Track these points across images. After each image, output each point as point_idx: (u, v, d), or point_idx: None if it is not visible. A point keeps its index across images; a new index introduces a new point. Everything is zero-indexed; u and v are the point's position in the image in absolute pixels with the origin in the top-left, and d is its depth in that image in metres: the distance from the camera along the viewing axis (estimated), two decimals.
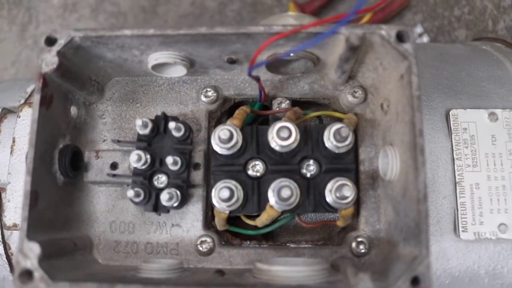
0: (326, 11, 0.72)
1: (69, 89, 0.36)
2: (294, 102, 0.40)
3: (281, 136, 0.33)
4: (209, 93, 0.39)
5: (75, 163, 0.36)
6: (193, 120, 0.38)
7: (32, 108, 0.32)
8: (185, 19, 0.73)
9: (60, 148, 0.34)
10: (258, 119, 0.41)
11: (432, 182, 0.41)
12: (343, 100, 0.39)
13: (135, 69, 0.38)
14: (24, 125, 0.42)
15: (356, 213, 0.37)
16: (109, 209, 0.38)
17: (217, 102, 0.39)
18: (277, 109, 0.39)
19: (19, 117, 0.42)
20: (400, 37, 0.32)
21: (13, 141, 0.42)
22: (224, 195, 0.33)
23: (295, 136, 0.34)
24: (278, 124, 0.34)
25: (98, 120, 0.39)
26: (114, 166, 0.37)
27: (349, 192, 0.33)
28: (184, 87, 0.39)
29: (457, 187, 0.41)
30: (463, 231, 0.40)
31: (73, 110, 0.36)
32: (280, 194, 0.33)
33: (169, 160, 0.33)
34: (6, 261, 0.46)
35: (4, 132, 0.44)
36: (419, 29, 0.70)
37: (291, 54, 0.33)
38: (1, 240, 0.45)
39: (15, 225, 0.40)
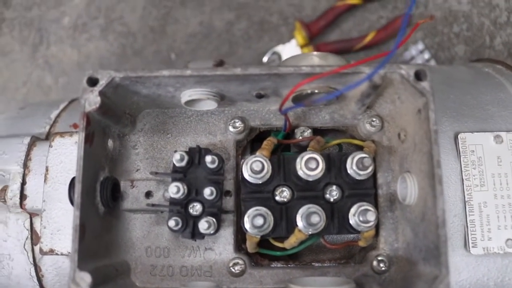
0: (331, 29, 0.75)
1: (107, 124, 0.38)
2: (315, 130, 0.43)
3: (309, 167, 0.36)
4: (237, 124, 0.41)
5: (114, 193, 0.38)
6: (222, 149, 0.41)
7: (77, 144, 0.34)
8: (194, 38, 0.76)
9: (101, 181, 0.36)
10: (280, 146, 0.44)
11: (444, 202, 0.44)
12: (361, 129, 0.41)
13: (166, 103, 0.40)
14: (56, 154, 0.44)
15: (376, 233, 0.40)
16: (144, 235, 0.40)
17: (244, 132, 0.41)
18: (300, 137, 0.41)
19: (51, 147, 0.44)
20: (418, 76, 0.35)
21: (47, 170, 0.44)
22: (258, 222, 0.35)
23: (322, 166, 0.36)
24: (307, 156, 0.36)
25: (131, 150, 0.41)
26: (148, 194, 0.39)
27: (372, 217, 0.36)
28: (213, 118, 0.42)
29: (467, 206, 0.44)
30: (473, 246, 0.43)
31: (110, 143, 0.39)
32: (310, 220, 0.36)
33: (206, 191, 0.36)
34: (37, 282, 0.48)
35: (35, 160, 0.46)
36: (420, 46, 0.73)
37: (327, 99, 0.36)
38: (33, 262, 0.47)
39: (51, 251, 0.43)
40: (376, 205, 0.40)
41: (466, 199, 0.44)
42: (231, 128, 0.41)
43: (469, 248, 0.43)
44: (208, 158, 0.36)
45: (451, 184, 0.44)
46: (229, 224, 0.40)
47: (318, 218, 0.36)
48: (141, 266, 0.40)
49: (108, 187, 0.36)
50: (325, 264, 0.40)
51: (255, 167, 0.36)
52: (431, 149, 0.33)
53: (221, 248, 0.40)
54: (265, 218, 0.36)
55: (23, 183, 0.45)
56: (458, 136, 0.45)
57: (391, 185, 0.41)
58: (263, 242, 0.41)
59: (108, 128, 0.38)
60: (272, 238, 0.40)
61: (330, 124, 0.42)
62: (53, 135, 0.45)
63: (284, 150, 0.44)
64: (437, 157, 0.33)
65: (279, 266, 0.40)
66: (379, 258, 0.39)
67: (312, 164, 0.36)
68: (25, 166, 0.46)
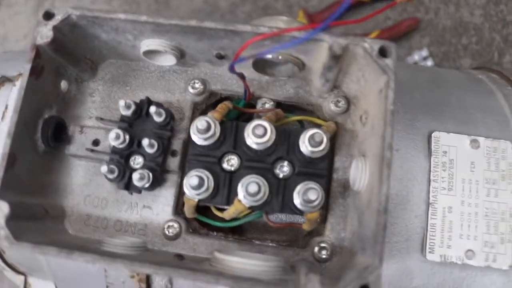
0: None
1: (62, 64, 0.37)
2: (279, 105, 0.41)
3: (256, 134, 0.34)
4: (197, 85, 0.40)
5: (58, 134, 0.37)
6: (178, 109, 0.40)
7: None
8: (197, 14, 0.75)
9: (45, 118, 0.36)
10: (242, 117, 0.42)
11: (405, 200, 0.42)
12: (326, 108, 0.40)
13: (128, 53, 0.39)
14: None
15: (324, 219, 0.38)
16: (86, 183, 0.39)
17: (203, 95, 0.40)
18: (261, 108, 0.40)
19: (14, 86, 0.44)
20: (383, 52, 0.33)
21: (6, 108, 0.43)
22: (193, 182, 0.34)
23: (270, 135, 0.34)
24: (255, 122, 0.34)
25: (87, 97, 0.40)
26: (96, 143, 0.38)
27: (314, 195, 0.34)
28: (174, 77, 0.40)
29: (430, 208, 0.41)
30: (429, 252, 0.40)
31: (64, 84, 0.38)
32: (248, 189, 0.34)
33: (145, 142, 0.34)
34: None
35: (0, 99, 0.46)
36: (424, 53, 0.70)
37: (269, 55, 0.34)
38: None
39: None
40: (328, 190, 0.38)
41: (430, 201, 0.41)
42: (190, 89, 0.40)
43: (425, 253, 0.41)
44: (153, 109, 0.34)
45: (417, 183, 0.42)
46: (172, 185, 0.38)
47: (257, 188, 0.34)
48: (76, 214, 0.38)
49: (51, 126, 0.36)
50: (265, 243, 0.38)
51: (200, 125, 0.34)
52: (384, 130, 0.31)
53: (159, 208, 0.38)
54: (202, 180, 0.35)
55: None
56: (432, 135, 0.43)
57: (347, 171, 0.38)
58: (208, 212, 0.39)
59: (64, 68, 0.38)
60: (215, 208, 0.38)
61: (294, 99, 0.40)
62: (18, 76, 0.44)
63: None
64: (389, 139, 0.31)
65: (216, 236, 0.38)
66: (322, 245, 0.37)
67: (259, 131, 0.34)
68: None
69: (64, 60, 0.37)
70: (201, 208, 0.40)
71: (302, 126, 0.42)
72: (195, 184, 0.34)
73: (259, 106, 0.40)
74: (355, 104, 0.39)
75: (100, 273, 0.43)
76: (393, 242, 0.41)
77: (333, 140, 0.39)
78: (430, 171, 0.42)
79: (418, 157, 0.42)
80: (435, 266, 0.41)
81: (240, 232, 0.42)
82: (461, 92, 0.47)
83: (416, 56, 0.70)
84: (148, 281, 0.43)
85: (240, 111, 0.40)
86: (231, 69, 0.33)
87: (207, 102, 0.41)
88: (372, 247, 0.30)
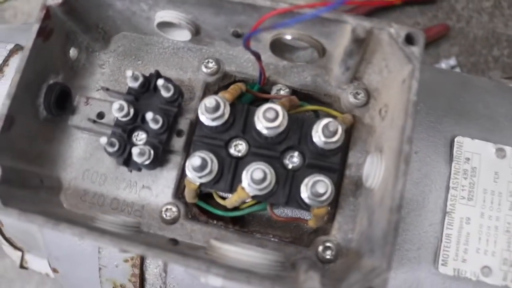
0: None
1: (73, 30, 0.36)
2: (295, 94, 0.39)
3: (267, 117, 0.32)
4: (210, 65, 0.38)
5: (62, 102, 0.35)
6: (189, 88, 0.38)
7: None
8: None
9: (50, 84, 0.34)
10: (256, 102, 0.40)
11: (421, 206, 0.39)
12: (344, 100, 0.37)
13: (143, 25, 0.38)
14: None
15: (332, 218, 0.36)
16: (86, 157, 0.37)
17: (216, 75, 0.38)
18: (275, 94, 0.38)
19: None
20: (409, 39, 0.30)
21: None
22: (195, 163, 0.32)
23: (281, 120, 0.32)
24: (266, 105, 0.32)
25: (97, 68, 0.39)
26: (100, 115, 0.37)
27: (323, 189, 0.31)
28: (188, 54, 0.39)
29: (446, 217, 0.38)
30: (442, 264, 0.38)
31: (73, 51, 0.36)
32: (253, 176, 0.32)
33: (149, 115, 0.32)
34: None
35: (11, 66, 0.45)
36: (452, 62, 0.67)
37: (288, 36, 0.32)
38: None
39: None
40: (339, 186, 0.36)
41: (448, 210, 0.38)
42: (203, 68, 0.38)
43: (438, 264, 0.38)
44: (160, 82, 0.33)
45: (434, 189, 0.39)
46: (174, 167, 0.36)
47: (262, 175, 0.31)
48: (73, 188, 0.37)
49: (55, 92, 0.34)
50: (267, 237, 0.36)
51: (208, 104, 0.32)
52: (405, 122, 0.29)
53: (159, 190, 0.36)
54: (205, 162, 0.33)
55: None
56: (455, 139, 0.40)
57: (361, 168, 0.36)
58: (210, 199, 0.37)
59: (75, 35, 0.36)
60: (217, 195, 0.36)
61: (311, 88, 0.38)
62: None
63: None
64: (409, 132, 0.29)
65: (215, 224, 0.36)
66: (327, 244, 0.35)
67: (271, 114, 0.32)
68: (1, 70, 0.45)
69: (75, 26, 0.35)
70: (204, 195, 0.38)
71: (317, 117, 0.39)
72: (197, 165, 0.32)
73: (273, 92, 0.38)
74: (375, 97, 0.37)
75: (93, 254, 0.42)
76: (403, 249, 0.38)
77: (349, 134, 0.37)
78: (450, 177, 0.39)
79: (438, 162, 0.40)
80: (447, 280, 0.38)
81: (242, 224, 0.39)
82: (489, 98, 0.44)
83: (443, 65, 0.67)
84: (142, 267, 0.42)
85: (254, 95, 0.38)
86: (246, 43, 0.31)
87: (220, 84, 0.39)
88: (381, 248, 0.27)
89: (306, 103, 0.38)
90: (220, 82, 0.39)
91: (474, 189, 0.39)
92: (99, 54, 0.39)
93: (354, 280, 0.27)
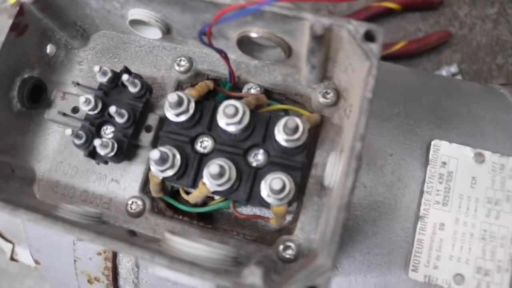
0: None
1: (50, 27, 0.37)
2: (268, 95, 0.39)
3: (226, 113, 0.32)
4: (182, 63, 0.38)
5: (36, 96, 0.37)
6: (161, 85, 0.38)
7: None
8: None
9: (24, 77, 0.36)
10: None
11: (393, 210, 0.38)
12: (314, 100, 0.37)
13: (119, 24, 0.39)
14: None
15: (296, 218, 0.35)
16: (61, 149, 0.38)
17: (188, 73, 0.39)
18: (246, 93, 0.38)
19: None
20: (368, 36, 0.30)
21: None
22: (154, 156, 0.32)
23: (241, 116, 0.32)
24: (226, 102, 0.33)
25: (75, 65, 0.40)
26: (75, 110, 0.38)
27: (278, 185, 0.31)
28: (162, 53, 0.39)
29: (419, 222, 0.37)
30: (413, 270, 0.37)
31: (50, 48, 0.38)
32: (209, 170, 0.32)
33: (112, 109, 0.33)
34: None
35: None
36: (453, 69, 0.66)
37: (254, 34, 0.33)
38: None
39: None
40: (303, 186, 0.35)
41: (421, 215, 0.37)
42: (176, 66, 0.39)
43: (408, 270, 0.37)
44: (125, 77, 0.33)
45: (408, 193, 0.38)
46: (143, 162, 0.37)
47: (218, 170, 0.32)
48: (46, 179, 0.38)
49: (29, 86, 0.35)
50: (228, 234, 0.36)
51: (170, 99, 0.33)
52: (358, 119, 0.28)
53: (126, 184, 0.37)
54: (167, 157, 0.33)
55: None
56: (432, 143, 0.39)
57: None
58: (178, 195, 0.37)
59: (52, 32, 0.38)
60: (183, 190, 0.37)
61: (282, 87, 0.38)
62: None
63: None
64: (361, 129, 0.28)
65: (179, 220, 0.36)
66: (288, 244, 0.34)
67: (230, 110, 0.32)
68: None
69: (52, 23, 0.37)
70: (176, 192, 0.38)
71: None
72: (156, 158, 0.32)
73: (244, 90, 0.38)
74: (345, 97, 0.36)
75: (69, 246, 0.42)
76: (373, 253, 0.38)
77: (317, 134, 0.36)
78: (424, 181, 0.38)
79: (414, 165, 0.39)
80: (418, 287, 0.37)
81: (210, 221, 0.39)
82: (474, 103, 0.43)
83: (444, 72, 0.66)
84: (115, 261, 0.42)
85: (224, 93, 0.38)
86: (201, 38, 0.31)
87: (193, 82, 0.39)
88: (328, 247, 0.27)
89: (276, 102, 0.38)
90: (193, 80, 0.39)
91: (449, 194, 0.38)
92: (78, 51, 0.40)
93: (298, 278, 0.27)
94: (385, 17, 0.69)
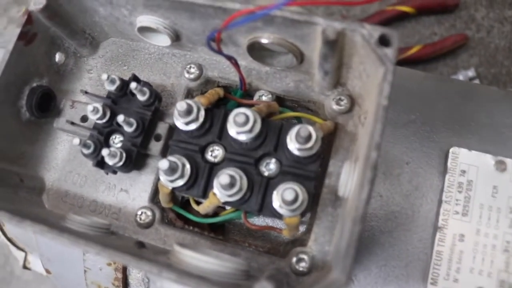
0: None
1: (58, 35, 0.37)
2: (282, 100, 0.38)
3: (237, 122, 0.32)
4: (192, 70, 0.38)
5: (45, 105, 0.36)
6: (171, 93, 0.38)
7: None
8: None
9: (33, 86, 0.35)
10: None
11: (410, 220, 0.36)
12: (327, 107, 0.36)
13: (128, 31, 0.38)
14: None
15: (310, 229, 0.34)
16: (70, 159, 0.38)
17: (198, 81, 0.38)
18: (257, 100, 0.37)
19: None
20: (383, 41, 0.29)
21: None
22: (163, 166, 0.31)
23: (252, 124, 0.31)
24: (237, 110, 0.32)
25: (85, 73, 0.40)
26: (84, 119, 0.37)
27: (290, 196, 0.30)
28: (172, 60, 0.39)
29: (438, 233, 0.36)
30: (431, 283, 0.35)
31: (59, 56, 0.38)
32: (220, 181, 0.31)
33: (120, 118, 0.33)
34: None
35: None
36: (471, 73, 0.64)
37: (265, 40, 0.32)
38: None
39: None
40: (317, 196, 0.34)
41: (440, 225, 0.36)
42: (185, 73, 0.38)
43: (427, 284, 0.35)
44: (133, 85, 0.33)
45: (426, 203, 0.37)
46: (152, 171, 0.36)
47: (228, 180, 0.31)
48: (56, 189, 0.37)
49: (37, 94, 0.35)
50: (240, 245, 0.35)
51: (179, 107, 0.32)
52: (374, 127, 0.27)
53: (136, 194, 0.36)
54: (176, 167, 0.32)
55: None
56: (450, 150, 0.37)
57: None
58: (189, 205, 0.37)
59: (61, 40, 0.37)
60: (194, 200, 0.36)
61: (294, 94, 0.37)
62: None
63: None
64: (377, 138, 0.27)
65: (189, 231, 0.35)
66: (301, 256, 0.33)
67: (240, 119, 0.31)
68: None
69: (61, 31, 0.36)
70: (186, 202, 0.38)
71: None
72: (165, 168, 0.31)
73: (255, 98, 0.37)
74: (359, 104, 0.35)
75: (79, 257, 0.42)
76: (390, 265, 0.36)
77: (331, 142, 0.35)
78: (443, 190, 0.36)
79: (431, 174, 0.37)
80: None
81: (222, 232, 0.39)
82: (495, 108, 0.41)
83: (461, 76, 0.64)
84: (125, 272, 0.41)
85: (235, 101, 0.37)
86: (209, 45, 0.31)
87: (203, 89, 0.38)
88: (342, 261, 0.26)
89: (288, 110, 0.37)
90: (203, 87, 0.38)
91: (469, 203, 0.36)
92: (87, 59, 0.40)
93: None
94: (399, 21, 0.67)
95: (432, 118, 0.40)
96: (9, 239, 0.53)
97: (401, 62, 0.66)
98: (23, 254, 0.56)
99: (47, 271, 0.47)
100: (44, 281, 0.78)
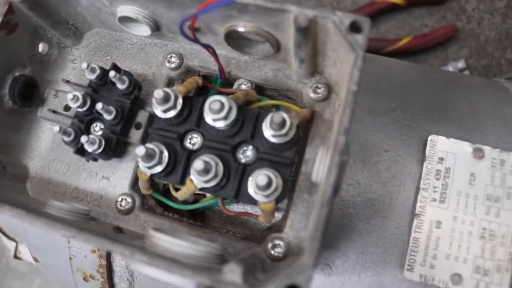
0: None
1: (41, 25, 0.37)
2: (261, 90, 0.38)
3: (212, 109, 0.32)
4: (173, 59, 0.38)
5: (28, 94, 0.37)
6: (152, 82, 0.38)
7: None
8: None
9: (15, 76, 0.36)
10: None
11: (387, 207, 0.37)
12: (305, 95, 0.36)
13: (110, 21, 0.39)
14: None
15: (286, 215, 0.35)
16: (53, 147, 0.39)
17: (179, 70, 0.38)
18: (236, 89, 0.37)
19: None
20: (354, 27, 0.29)
21: None
22: (140, 152, 0.32)
23: (227, 111, 0.32)
24: (212, 97, 0.32)
25: (69, 63, 0.40)
26: (67, 108, 0.38)
27: (263, 181, 0.31)
28: (153, 50, 0.39)
29: (415, 220, 0.36)
30: (408, 269, 0.35)
31: (42, 46, 0.38)
32: (195, 166, 0.31)
33: (98, 106, 0.33)
34: None
35: None
36: (461, 64, 0.64)
37: (241, 28, 0.32)
38: None
39: None
40: (294, 183, 0.34)
41: (417, 212, 0.36)
42: (166, 63, 0.38)
43: (403, 270, 0.36)
44: (112, 73, 0.33)
45: (403, 190, 0.37)
46: (133, 159, 0.37)
47: (203, 166, 0.31)
48: (39, 177, 0.38)
49: (20, 84, 0.36)
50: (218, 231, 0.35)
51: (156, 95, 0.32)
52: (342, 112, 0.28)
53: (117, 181, 0.37)
54: (154, 154, 0.33)
55: None
56: (429, 138, 0.38)
57: None
58: (169, 193, 0.37)
59: (44, 30, 0.38)
60: (173, 187, 0.36)
61: (272, 82, 0.37)
62: None
63: None
64: (345, 123, 0.27)
65: (168, 217, 0.36)
66: (276, 242, 0.33)
67: (215, 105, 0.32)
68: None
69: (43, 22, 0.37)
70: (168, 189, 0.38)
71: None
72: (142, 154, 0.32)
73: (235, 86, 0.38)
74: (336, 92, 0.35)
75: (65, 244, 0.43)
76: (368, 252, 0.37)
77: (307, 129, 0.35)
78: (421, 178, 0.37)
79: (410, 161, 0.38)
80: (413, 287, 0.35)
81: (202, 219, 0.39)
82: (475, 97, 0.42)
83: (450, 67, 0.64)
84: (109, 259, 0.42)
85: (213, 89, 0.38)
86: (182, 32, 0.31)
87: (184, 78, 0.39)
88: (309, 244, 0.26)
89: (266, 98, 0.37)
90: (184, 76, 0.39)
91: (447, 191, 0.36)
92: (71, 49, 0.40)
93: (279, 277, 0.26)
94: (390, 13, 0.68)
95: (413, 106, 0.40)
96: (0, 229, 0.54)
97: (391, 54, 0.66)
98: (13, 244, 0.57)
99: (35, 259, 0.48)
100: (40, 273, 0.79)
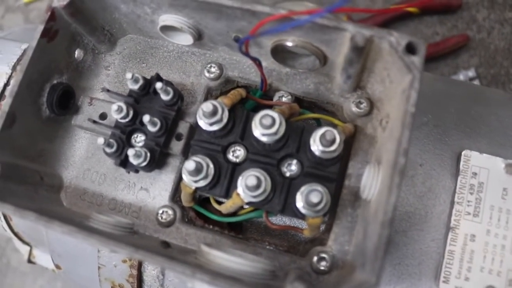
0: None
1: (78, 32, 0.36)
2: (300, 101, 0.38)
3: (263, 124, 0.32)
4: (213, 69, 0.38)
5: (65, 102, 0.36)
6: (191, 92, 0.38)
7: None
8: None
9: (53, 83, 0.35)
10: (259, 108, 0.40)
11: (423, 220, 0.38)
12: (347, 109, 0.37)
13: (148, 29, 0.38)
14: None
15: (329, 228, 0.35)
16: (88, 156, 0.38)
17: (218, 80, 0.38)
18: (277, 101, 0.37)
19: None
20: (410, 49, 0.30)
21: None
22: (189, 167, 0.32)
23: (278, 127, 0.32)
24: (263, 112, 0.32)
25: (102, 70, 0.39)
26: (103, 116, 0.37)
27: (316, 198, 0.31)
28: (191, 59, 0.39)
29: (450, 233, 0.37)
30: (443, 281, 0.36)
31: (78, 52, 0.37)
32: (247, 182, 0.31)
33: (146, 118, 0.33)
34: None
35: None
36: (471, 73, 0.65)
37: (289, 43, 0.32)
38: None
39: None
40: (337, 197, 0.35)
41: (452, 225, 0.37)
42: (206, 73, 0.38)
43: (439, 282, 0.36)
44: (159, 85, 0.33)
45: (438, 204, 0.38)
46: (173, 170, 0.37)
47: (255, 182, 0.31)
48: (74, 187, 0.37)
49: (58, 92, 0.35)
50: (261, 245, 0.36)
51: (205, 108, 0.32)
52: (401, 134, 0.28)
53: (156, 192, 0.36)
54: (201, 167, 0.32)
55: (7, 84, 0.45)
56: (462, 153, 0.39)
57: (361, 179, 0.35)
58: (208, 204, 0.37)
59: (80, 37, 0.37)
60: (214, 200, 0.36)
61: (314, 96, 0.37)
62: None
63: None
64: (405, 144, 0.28)
65: (210, 230, 0.36)
66: (322, 255, 0.34)
67: (267, 121, 0.32)
68: (14, 69, 0.46)
69: (81, 28, 0.36)
70: (204, 201, 0.38)
71: (319, 126, 0.39)
72: (191, 169, 0.32)
73: (275, 98, 0.38)
74: (378, 108, 0.36)
75: (94, 253, 0.42)
76: (404, 264, 0.37)
77: (350, 144, 0.36)
78: (455, 192, 0.38)
79: (444, 175, 0.38)
80: None
81: (240, 230, 0.39)
82: (503, 112, 0.43)
83: (461, 76, 0.65)
84: (140, 268, 0.42)
85: (255, 101, 0.37)
86: (242, 47, 0.31)
87: (223, 89, 0.39)
88: (371, 263, 0.27)
89: (308, 111, 0.37)
90: (223, 87, 0.39)
91: (480, 205, 0.37)
92: (105, 56, 0.40)
93: None
94: (402, 20, 0.68)
95: (444, 120, 0.41)
96: (15, 233, 0.53)
97: None
98: (27, 248, 0.56)
99: (57, 267, 0.47)
100: (43, 273, 0.77)
